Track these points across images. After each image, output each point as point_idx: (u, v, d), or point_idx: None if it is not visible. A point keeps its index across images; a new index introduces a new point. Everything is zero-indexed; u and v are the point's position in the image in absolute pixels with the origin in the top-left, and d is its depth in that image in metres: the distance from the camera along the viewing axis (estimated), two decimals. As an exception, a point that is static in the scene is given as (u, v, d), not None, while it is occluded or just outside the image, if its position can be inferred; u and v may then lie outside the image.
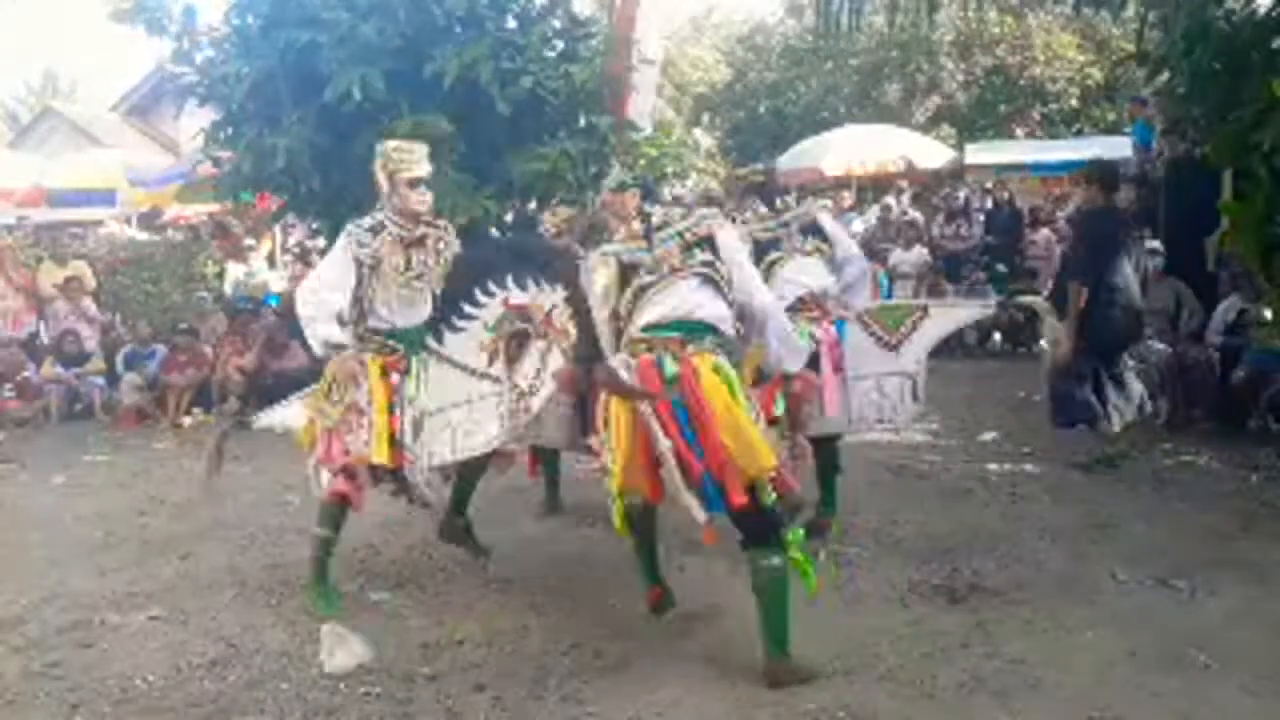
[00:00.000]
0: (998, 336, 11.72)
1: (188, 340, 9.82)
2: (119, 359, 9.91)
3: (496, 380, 4.53)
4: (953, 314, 5.19)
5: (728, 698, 3.55)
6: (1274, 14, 6.62)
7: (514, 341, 4.53)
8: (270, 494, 6.37)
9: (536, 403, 4.55)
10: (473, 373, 4.51)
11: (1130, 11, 8.39)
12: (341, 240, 4.44)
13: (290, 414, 4.70)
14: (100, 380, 9.86)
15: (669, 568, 4.76)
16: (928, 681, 3.62)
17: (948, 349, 11.13)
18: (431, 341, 4.51)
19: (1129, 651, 3.81)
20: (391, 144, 4.54)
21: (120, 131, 20.47)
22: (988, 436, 7.47)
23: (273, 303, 11.08)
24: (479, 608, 4.42)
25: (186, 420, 9.36)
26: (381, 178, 4.43)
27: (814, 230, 5.02)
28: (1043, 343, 5.35)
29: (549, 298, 4.51)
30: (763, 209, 5.09)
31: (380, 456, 4.27)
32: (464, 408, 4.50)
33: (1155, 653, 3.80)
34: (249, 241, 12.54)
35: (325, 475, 4.38)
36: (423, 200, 4.44)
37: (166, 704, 3.63)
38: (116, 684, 3.78)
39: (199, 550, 5.40)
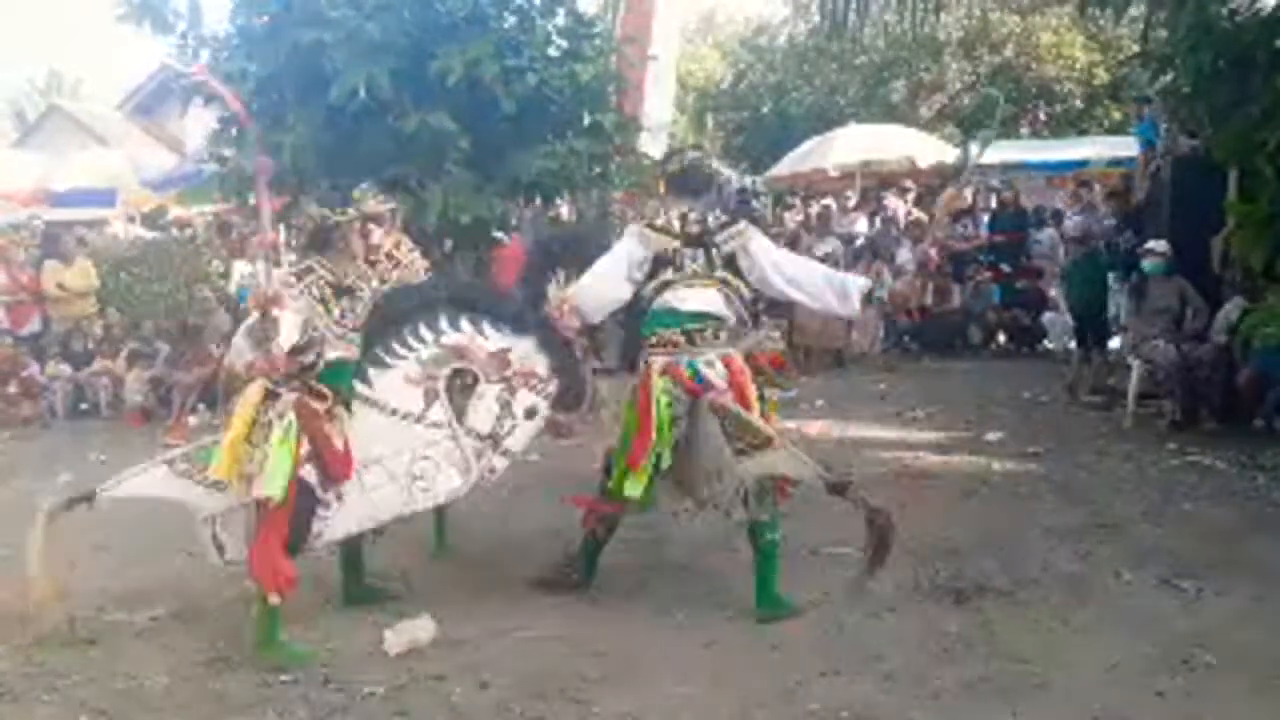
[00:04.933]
0: (1002, 337, 11.71)
1: (194, 336, 9.87)
2: (122, 357, 9.92)
3: (444, 426, 4.30)
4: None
5: (729, 697, 3.54)
6: (1278, 13, 6.61)
7: (456, 383, 4.33)
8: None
9: (515, 445, 4.38)
10: (406, 417, 4.29)
11: (1135, 11, 8.37)
12: None
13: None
14: (105, 379, 9.88)
15: (672, 567, 4.77)
16: (932, 681, 3.62)
17: (953, 350, 11.21)
18: (356, 383, 4.26)
19: (1135, 652, 3.80)
20: None
21: (125, 130, 20.51)
22: (993, 436, 7.46)
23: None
24: (481, 608, 4.41)
25: (192, 419, 9.37)
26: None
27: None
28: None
29: (498, 339, 4.36)
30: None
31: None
32: (405, 457, 4.27)
33: (1161, 653, 3.79)
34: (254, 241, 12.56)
35: None
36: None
37: (170, 703, 3.64)
38: (120, 683, 3.79)
39: (204, 548, 5.39)
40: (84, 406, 9.92)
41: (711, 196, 4.50)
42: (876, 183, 15.03)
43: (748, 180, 16.53)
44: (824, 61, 22.87)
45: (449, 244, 8.11)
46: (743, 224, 4.43)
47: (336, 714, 3.53)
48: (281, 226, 11.88)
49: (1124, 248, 9.35)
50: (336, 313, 4.24)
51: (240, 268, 11.98)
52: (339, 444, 4.06)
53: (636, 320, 4.42)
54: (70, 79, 34.19)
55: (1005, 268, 11.76)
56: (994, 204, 13.20)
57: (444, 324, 4.31)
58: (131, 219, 14.02)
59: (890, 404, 8.67)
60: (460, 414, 4.31)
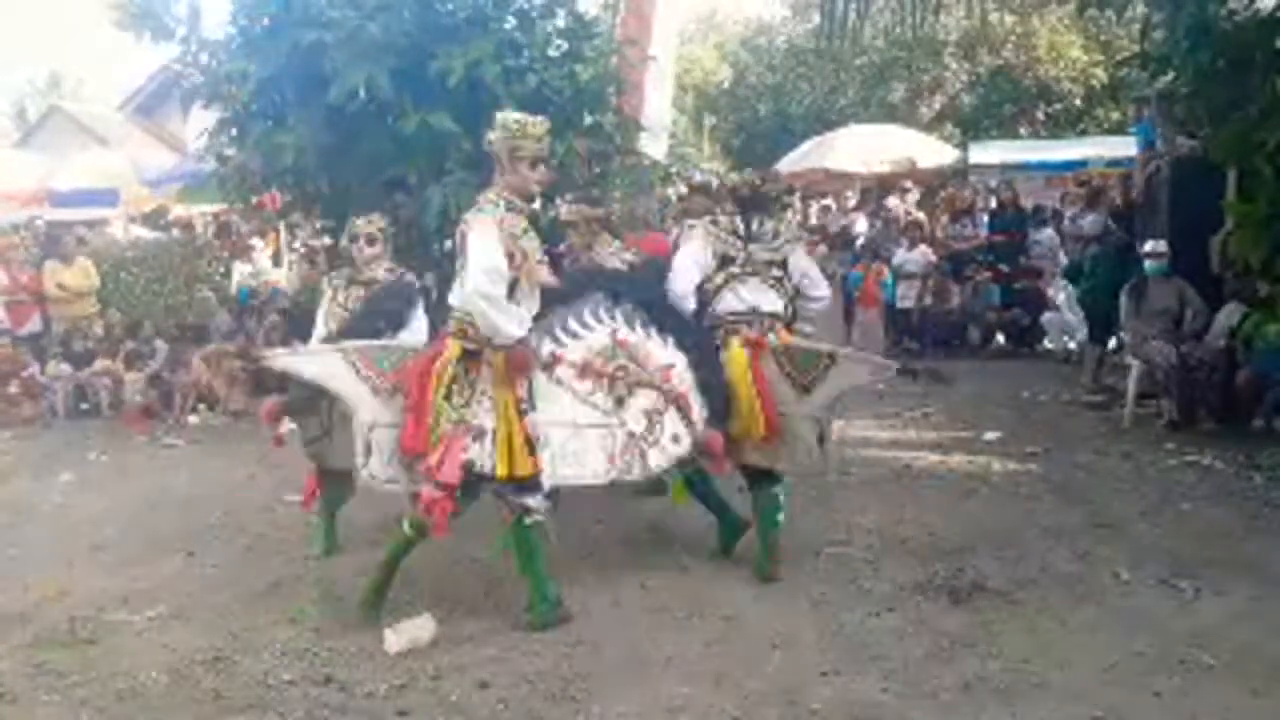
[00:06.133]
0: (1001, 337, 11.71)
1: (194, 336, 9.90)
2: (122, 357, 9.92)
3: (604, 413, 4.28)
4: (858, 370, 4.67)
5: (729, 696, 3.55)
6: (1277, 14, 6.62)
7: (619, 378, 4.31)
8: (274, 493, 6.38)
9: (655, 458, 4.33)
10: (575, 394, 4.26)
11: (1134, 11, 8.38)
12: (489, 223, 3.98)
13: (318, 365, 4.37)
14: (106, 379, 9.89)
15: (672, 566, 4.78)
16: (931, 681, 3.63)
17: (952, 350, 11.23)
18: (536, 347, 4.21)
19: (1132, 651, 3.82)
20: (514, 117, 4.14)
21: (126, 131, 20.51)
22: (992, 436, 7.47)
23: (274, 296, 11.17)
24: (481, 607, 4.43)
25: (192, 418, 9.39)
26: (502, 154, 4.12)
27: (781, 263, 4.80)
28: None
29: (666, 352, 4.37)
30: (738, 221, 4.83)
31: (524, 468, 4.02)
32: (566, 429, 4.23)
33: (1159, 653, 3.80)
34: (254, 241, 12.58)
35: (380, 467, 4.22)
36: (542, 181, 4.23)
37: (170, 701, 3.65)
38: (121, 681, 3.80)
39: (203, 548, 5.41)
40: (85, 406, 9.92)
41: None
42: (876, 183, 15.04)
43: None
44: (823, 62, 22.88)
45: (449, 244, 8.10)
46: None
47: (336, 713, 3.53)
48: (282, 225, 11.94)
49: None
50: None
51: (240, 268, 12.00)
52: None
53: None
54: (71, 79, 34.23)
55: (1004, 268, 11.76)
56: (993, 204, 13.21)
57: (620, 319, 4.36)
58: (132, 219, 14.03)
59: (890, 404, 8.67)
60: (618, 406, 4.30)
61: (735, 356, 4.55)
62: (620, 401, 4.30)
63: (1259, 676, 3.59)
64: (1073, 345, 10.45)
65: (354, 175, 7.65)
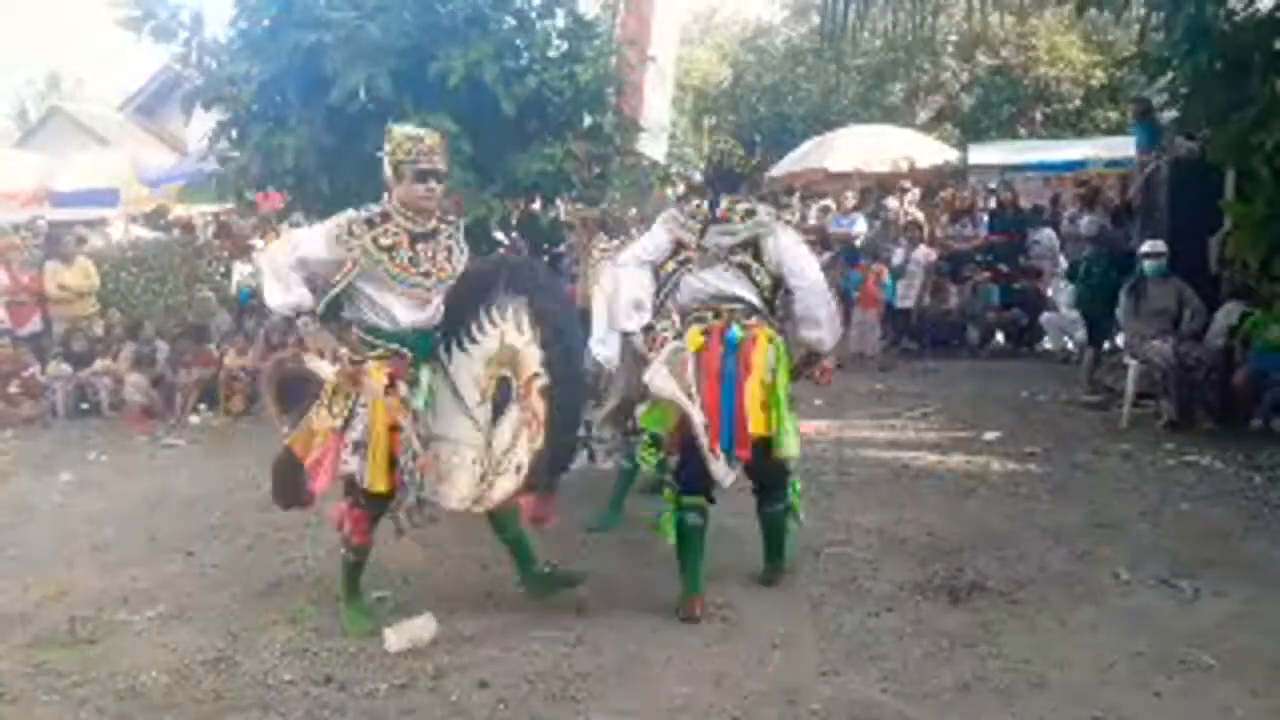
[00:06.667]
0: (1000, 336, 11.72)
1: (194, 336, 9.92)
2: (123, 357, 9.93)
3: (481, 430, 4.04)
4: None
5: (730, 696, 3.56)
6: (1276, 15, 6.63)
7: (499, 390, 4.06)
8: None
9: (501, 486, 3.98)
10: (464, 407, 4.08)
11: (1133, 12, 8.38)
12: (333, 220, 4.05)
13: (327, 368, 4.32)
14: (106, 379, 9.90)
15: (672, 567, 4.78)
16: (930, 681, 3.63)
17: (951, 350, 11.24)
18: (442, 354, 4.14)
19: (1132, 651, 3.82)
20: (402, 131, 4.12)
21: (127, 131, 20.54)
22: (991, 436, 7.47)
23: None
24: (481, 606, 4.43)
25: (193, 418, 9.40)
26: (388, 167, 4.06)
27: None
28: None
29: (537, 355, 3.98)
30: (705, 205, 4.35)
31: (378, 484, 3.97)
32: (450, 446, 4.06)
33: (1158, 653, 3.81)
34: (254, 241, 12.58)
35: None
36: (430, 195, 4.04)
37: (170, 701, 3.65)
38: (121, 681, 3.80)
39: (204, 548, 5.42)
40: (85, 406, 9.92)
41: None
42: (875, 184, 15.05)
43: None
44: (822, 63, 22.89)
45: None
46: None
47: (336, 714, 3.54)
48: (282, 226, 11.94)
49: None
50: None
51: (240, 268, 12.00)
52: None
53: None
54: (71, 80, 34.27)
55: (1004, 268, 11.76)
56: (993, 204, 13.22)
57: (510, 318, 4.02)
58: (132, 219, 14.04)
59: (889, 404, 8.68)
60: (492, 424, 4.04)
61: (690, 342, 4.21)
62: (495, 418, 4.03)
63: (1259, 676, 3.60)
64: (1072, 345, 10.47)
65: (354, 176, 7.64)
